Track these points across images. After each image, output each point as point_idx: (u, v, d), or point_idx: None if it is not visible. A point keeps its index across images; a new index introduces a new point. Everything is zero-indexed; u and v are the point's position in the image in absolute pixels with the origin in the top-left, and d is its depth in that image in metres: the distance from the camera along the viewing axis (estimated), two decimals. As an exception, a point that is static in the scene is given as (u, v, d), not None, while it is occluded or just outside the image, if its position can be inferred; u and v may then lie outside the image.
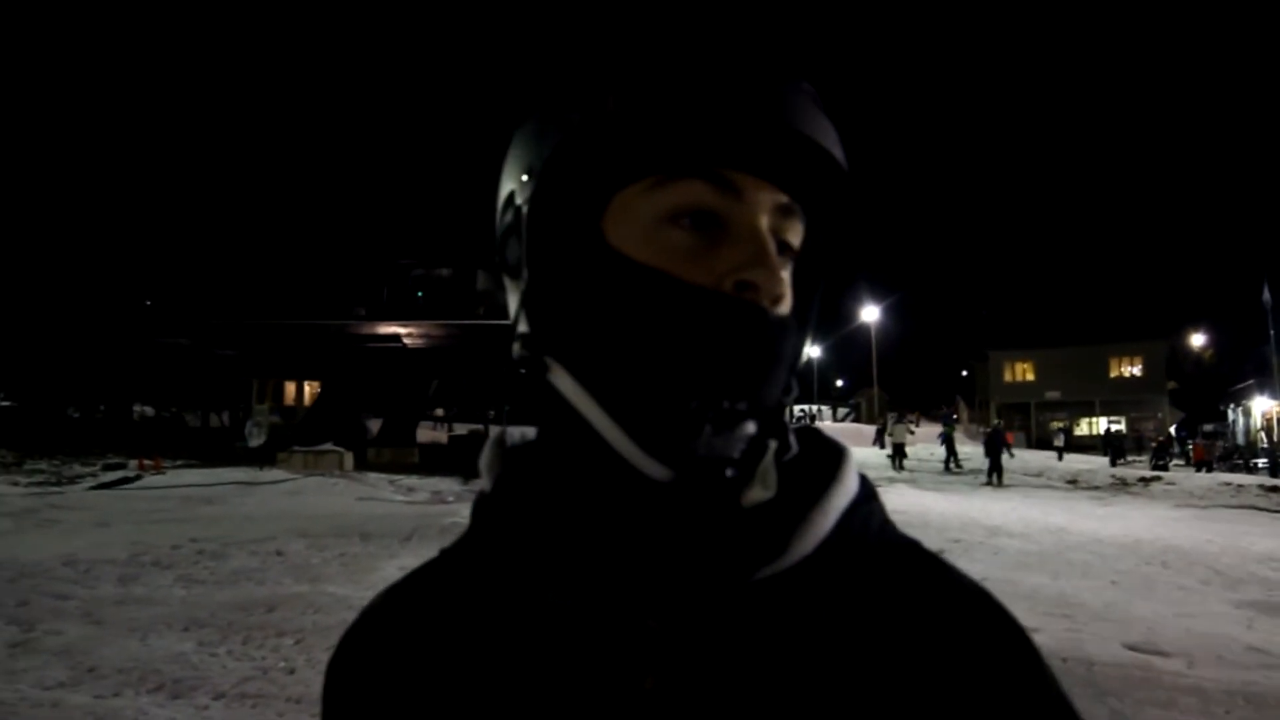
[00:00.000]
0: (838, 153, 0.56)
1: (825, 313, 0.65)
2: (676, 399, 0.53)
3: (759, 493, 0.55)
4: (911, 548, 0.60)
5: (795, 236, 0.58)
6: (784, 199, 0.57)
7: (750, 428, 0.53)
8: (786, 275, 0.58)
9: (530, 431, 0.66)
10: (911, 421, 32.36)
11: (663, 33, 0.57)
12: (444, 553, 0.64)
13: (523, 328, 0.59)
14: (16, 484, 16.77)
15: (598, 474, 0.56)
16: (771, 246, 0.55)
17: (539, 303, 0.59)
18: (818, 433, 0.64)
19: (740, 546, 0.54)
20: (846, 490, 0.58)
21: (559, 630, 0.54)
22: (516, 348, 0.60)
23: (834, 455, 0.61)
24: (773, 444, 0.57)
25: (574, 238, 0.58)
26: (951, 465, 27.32)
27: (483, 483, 0.64)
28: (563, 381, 0.57)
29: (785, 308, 0.56)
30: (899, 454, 27.08)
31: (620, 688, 0.52)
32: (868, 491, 0.61)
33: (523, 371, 0.60)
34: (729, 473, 0.54)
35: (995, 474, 22.88)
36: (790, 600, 0.53)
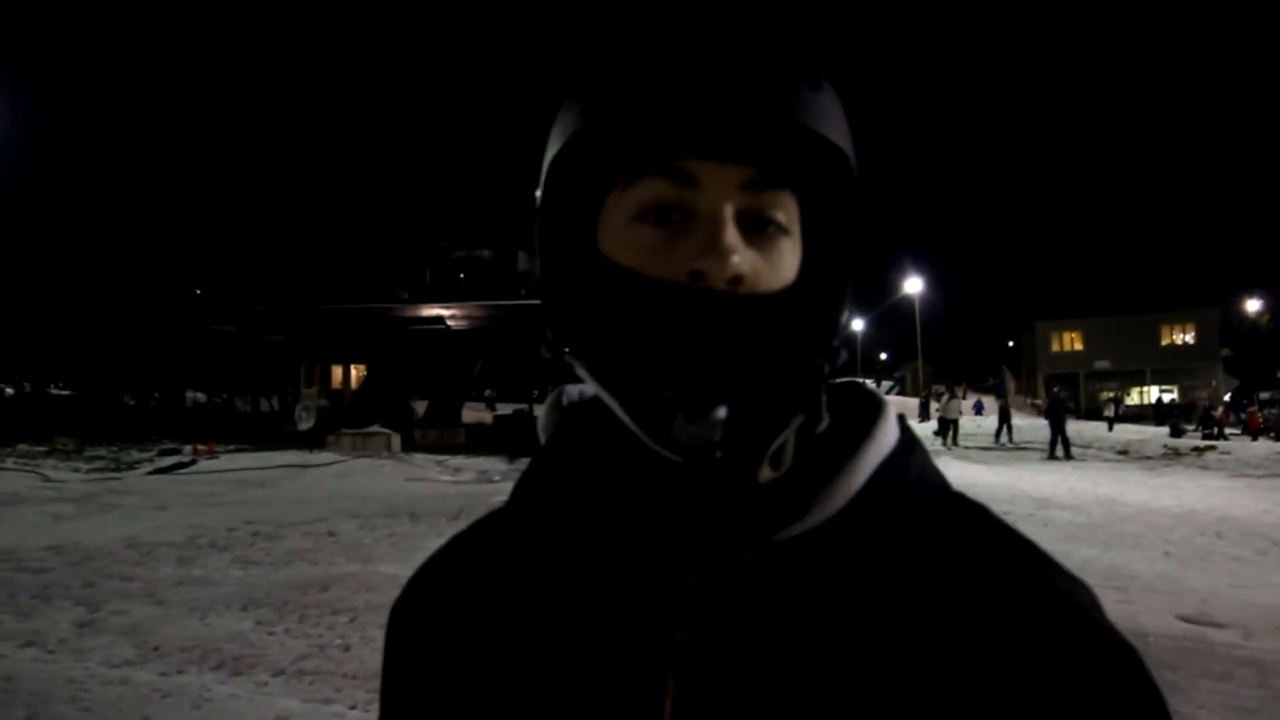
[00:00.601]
0: (796, 111, 0.55)
1: (862, 282, 0.64)
2: (653, 390, 0.55)
3: (767, 472, 0.57)
4: (953, 499, 0.60)
5: (779, 209, 0.58)
6: (751, 174, 0.56)
7: (721, 412, 0.54)
8: (763, 252, 0.57)
9: (589, 389, 0.68)
10: (960, 395, 30.12)
11: (610, 40, 0.59)
12: (503, 507, 0.68)
13: (548, 331, 0.63)
14: (78, 470, 17.26)
15: (627, 449, 0.59)
16: (726, 230, 0.55)
17: (552, 305, 0.63)
18: (857, 388, 0.65)
19: (757, 516, 0.56)
20: (880, 447, 0.59)
21: (595, 585, 0.58)
22: (543, 349, 0.64)
23: (870, 410, 0.62)
24: (797, 419, 0.58)
25: (572, 245, 0.62)
26: (1003, 439, 26.51)
27: (541, 439, 0.68)
28: (583, 374, 0.61)
29: (760, 285, 0.56)
30: (951, 429, 25.76)
31: (651, 638, 0.55)
32: (906, 443, 0.61)
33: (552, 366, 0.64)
34: (717, 454, 0.55)
35: (1061, 446, 21.47)
36: (818, 557, 0.55)
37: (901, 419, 0.64)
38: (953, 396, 27.93)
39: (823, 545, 0.55)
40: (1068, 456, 21.01)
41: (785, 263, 0.58)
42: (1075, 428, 28.19)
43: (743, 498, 0.57)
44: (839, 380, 0.65)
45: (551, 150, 0.60)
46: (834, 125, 0.57)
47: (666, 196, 0.56)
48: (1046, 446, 22.02)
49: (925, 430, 27.74)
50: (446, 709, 0.61)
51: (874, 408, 0.62)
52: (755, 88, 0.54)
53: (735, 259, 0.54)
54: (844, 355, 0.61)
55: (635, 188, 0.57)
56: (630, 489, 0.59)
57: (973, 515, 0.59)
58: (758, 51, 0.55)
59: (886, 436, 0.60)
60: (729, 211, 0.55)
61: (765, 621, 0.54)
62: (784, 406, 0.58)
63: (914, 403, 39.97)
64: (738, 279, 0.54)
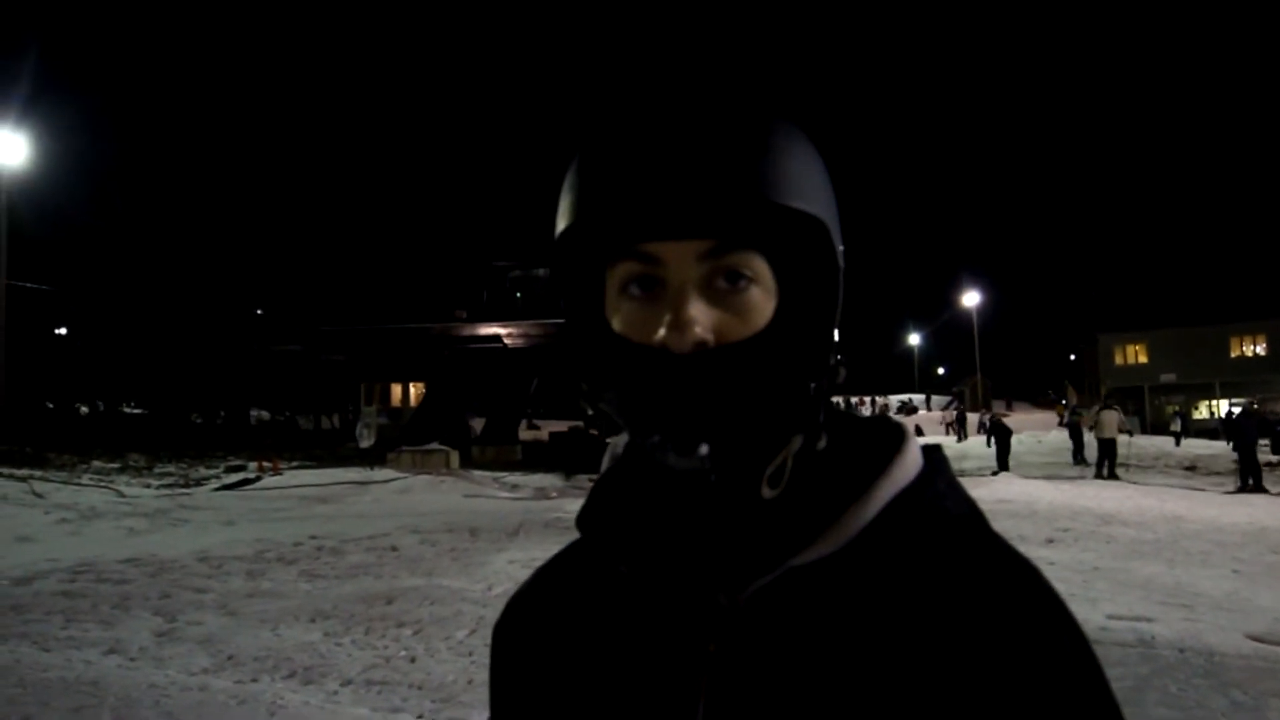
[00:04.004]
0: (739, 186, 0.62)
1: (910, 301, 0.72)
2: (646, 435, 0.66)
3: (768, 491, 0.66)
4: (965, 526, 0.66)
5: (744, 267, 0.65)
6: (708, 244, 0.65)
7: (704, 449, 0.64)
8: (731, 307, 0.65)
9: None
10: (1115, 405, 20.98)
11: (584, 136, 0.69)
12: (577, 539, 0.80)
13: (582, 384, 0.74)
14: (149, 486, 17.80)
15: (652, 476, 0.71)
16: (684, 306, 0.64)
17: (577, 360, 0.74)
18: (883, 421, 0.72)
19: (770, 537, 0.65)
20: (894, 481, 0.66)
21: (637, 600, 0.69)
22: (580, 400, 0.74)
23: (891, 444, 0.68)
24: (796, 440, 0.67)
25: (581, 311, 0.74)
26: (1080, 458, 24.08)
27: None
28: (615, 417, 0.71)
29: (728, 337, 0.64)
30: (1106, 452, 19.45)
31: (687, 650, 0.65)
32: (926, 475, 0.67)
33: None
34: (712, 478, 0.66)
35: (1251, 476, 16.48)
36: (833, 582, 0.63)
37: (930, 448, 0.71)
38: (1106, 407, 20.60)
39: (838, 571, 0.63)
40: (1258, 487, 16.29)
41: (756, 311, 0.66)
42: (1138, 442, 26.32)
43: (751, 515, 0.66)
44: (872, 415, 0.74)
45: (557, 227, 0.70)
46: (781, 183, 0.63)
47: (638, 273, 0.66)
48: (1238, 472, 17.24)
49: (954, 450, 25.47)
50: (534, 710, 0.73)
51: (895, 441, 0.69)
52: (698, 173, 0.62)
53: (695, 330, 0.63)
54: (843, 373, 0.68)
55: (616, 268, 0.67)
56: (656, 511, 0.70)
57: (979, 542, 0.65)
58: (703, 137, 0.63)
59: (903, 470, 0.66)
60: (690, 283, 0.65)
61: (787, 640, 0.62)
62: (780, 429, 0.67)
63: (973, 418, 38.48)
64: (700, 343, 0.63)
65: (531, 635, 0.75)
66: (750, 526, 0.66)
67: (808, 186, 0.65)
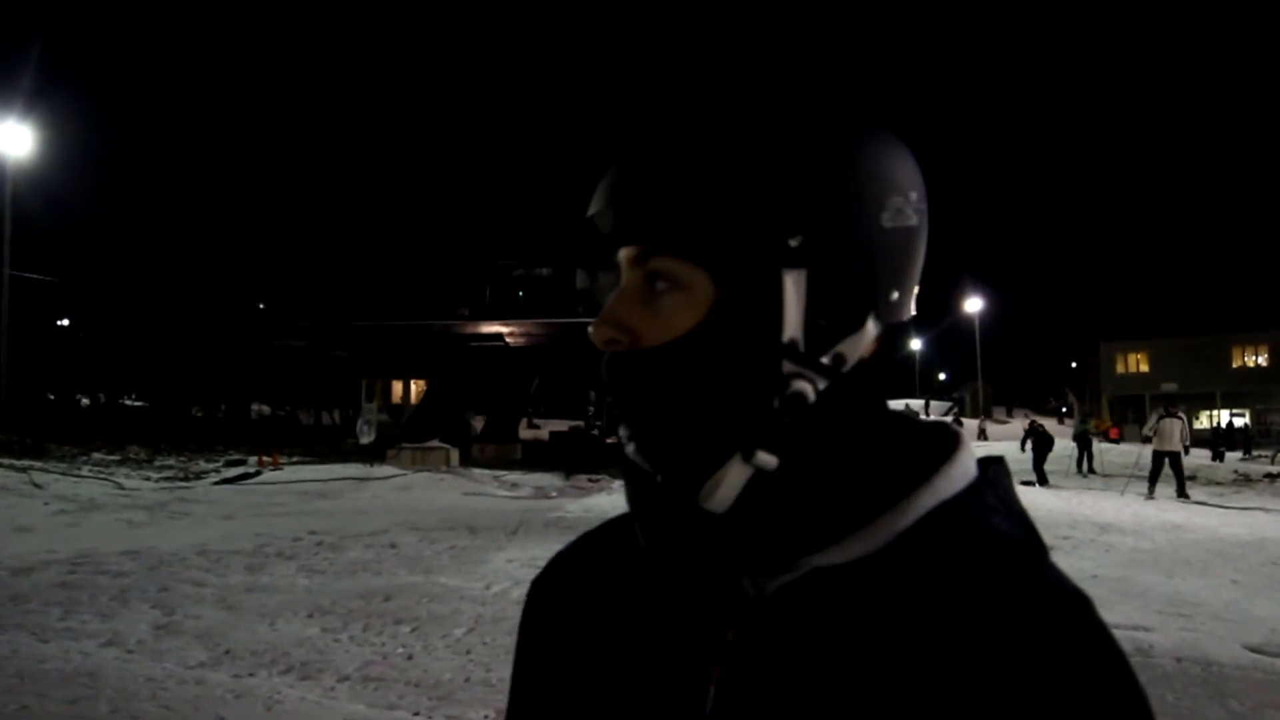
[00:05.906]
0: (653, 203, 0.64)
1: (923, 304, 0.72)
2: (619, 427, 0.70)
3: (711, 505, 0.63)
4: (1007, 545, 0.62)
5: (665, 270, 0.65)
6: (636, 250, 0.66)
7: (630, 448, 0.66)
8: (653, 310, 0.65)
9: None
10: (1178, 413, 17.41)
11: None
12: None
13: None
14: (149, 479, 17.80)
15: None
16: (609, 304, 0.67)
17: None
18: (940, 428, 0.70)
19: (781, 532, 0.63)
20: (937, 490, 0.64)
21: (663, 582, 0.69)
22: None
23: (941, 452, 0.66)
24: (735, 460, 0.62)
25: None
26: (1085, 468, 23.64)
27: None
28: None
29: (646, 341, 0.65)
30: (1174, 467, 16.56)
31: (704, 636, 0.65)
32: (977, 486, 0.65)
33: None
34: (658, 479, 0.66)
35: None
36: (863, 586, 0.61)
37: (988, 460, 0.67)
38: (1168, 415, 17.24)
39: (866, 576, 0.62)
40: None
41: (671, 316, 0.64)
42: (1140, 451, 26.32)
43: (699, 526, 0.64)
44: (930, 420, 0.72)
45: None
46: (697, 191, 0.63)
47: (619, 277, 0.70)
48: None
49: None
50: (555, 672, 0.73)
51: (946, 449, 0.67)
52: (622, 183, 0.66)
53: (605, 328, 0.66)
54: (800, 385, 0.62)
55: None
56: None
57: (1022, 565, 0.61)
58: (641, 148, 0.66)
59: (948, 480, 0.64)
60: (628, 286, 0.67)
61: (807, 640, 0.61)
62: (716, 443, 0.63)
63: (973, 424, 38.22)
64: (610, 341, 0.66)
65: (562, 597, 0.77)
66: (701, 537, 0.64)
67: (748, 193, 0.62)
